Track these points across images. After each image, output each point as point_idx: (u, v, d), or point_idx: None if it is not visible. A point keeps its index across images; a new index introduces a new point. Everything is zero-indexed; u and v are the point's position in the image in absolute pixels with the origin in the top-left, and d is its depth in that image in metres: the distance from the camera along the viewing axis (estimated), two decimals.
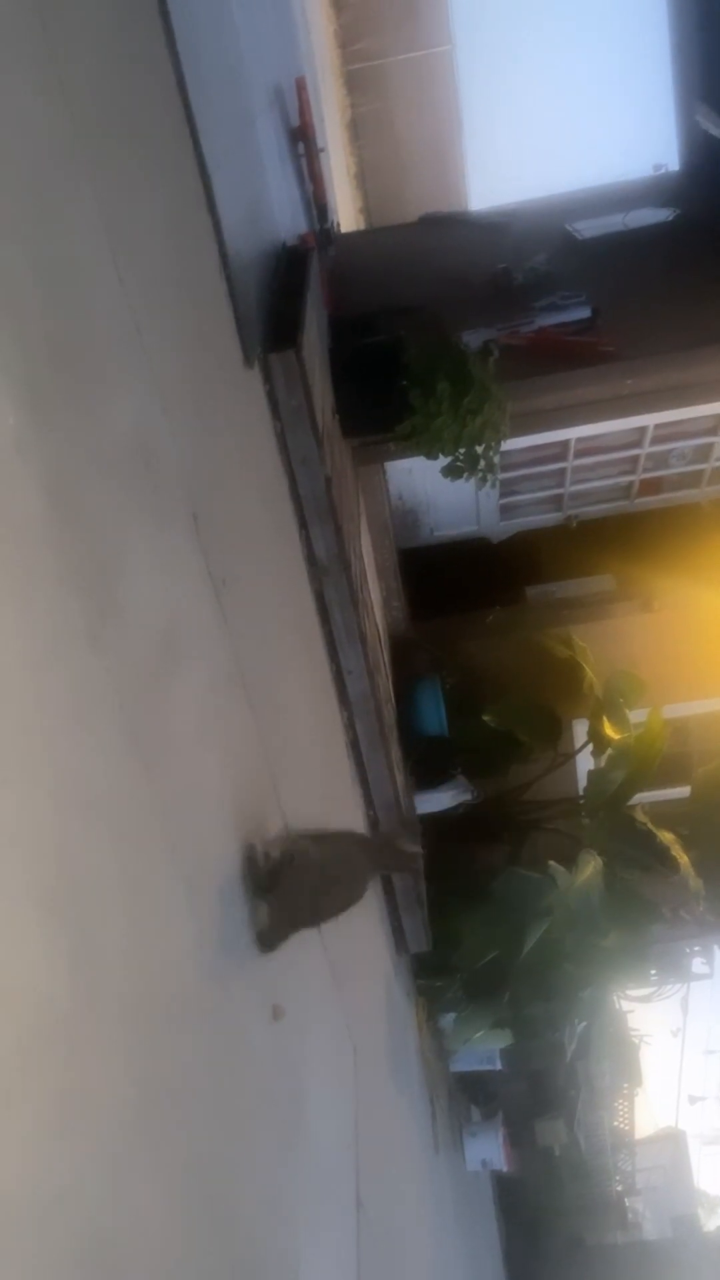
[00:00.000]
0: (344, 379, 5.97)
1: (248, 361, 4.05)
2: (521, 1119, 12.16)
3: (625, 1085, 16.49)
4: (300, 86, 8.01)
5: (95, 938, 1.67)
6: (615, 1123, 16.86)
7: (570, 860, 6.53)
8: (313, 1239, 2.90)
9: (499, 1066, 9.70)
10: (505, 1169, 10.33)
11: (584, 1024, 8.99)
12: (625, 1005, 12.62)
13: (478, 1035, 7.94)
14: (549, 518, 8.18)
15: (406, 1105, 5.99)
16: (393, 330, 6.38)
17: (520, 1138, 11.96)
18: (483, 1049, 8.89)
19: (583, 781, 7.79)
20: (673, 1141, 21.28)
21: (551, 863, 6.37)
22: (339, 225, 11.62)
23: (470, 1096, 10.59)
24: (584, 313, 7.29)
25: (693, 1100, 20.61)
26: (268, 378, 4.40)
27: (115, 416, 2.19)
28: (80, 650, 1.79)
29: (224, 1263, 2.09)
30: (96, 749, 1.81)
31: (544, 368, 6.78)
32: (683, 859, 6.83)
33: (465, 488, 7.10)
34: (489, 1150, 9.88)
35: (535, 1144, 12.77)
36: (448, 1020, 8.02)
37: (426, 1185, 6.33)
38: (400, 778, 6.33)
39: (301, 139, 8.05)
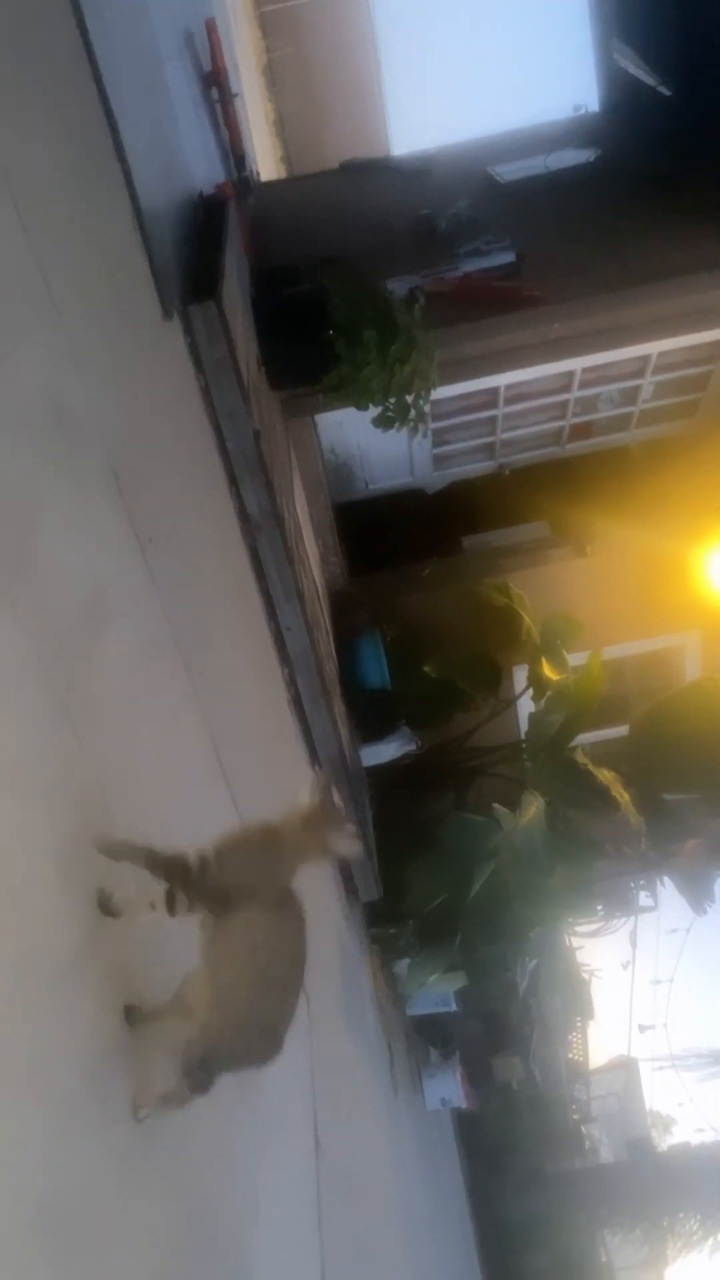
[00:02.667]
0: (268, 330, 5.87)
1: (166, 314, 3.96)
2: (479, 1057, 12.49)
3: (578, 1019, 17.03)
4: (211, 29, 7.77)
5: (29, 905, 1.66)
6: (570, 1055, 17.42)
7: (515, 803, 6.64)
8: (272, 1182, 2.95)
9: (454, 1008, 9.91)
10: (464, 1106, 10.61)
11: (535, 962, 9.22)
12: (575, 942, 12.99)
13: (432, 979, 8.07)
14: (482, 466, 8.19)
15: (363, 1050, 6.10)
16: (316, 280, 6.27)
17: (478, 1075, 12.29)
18: (437, 992, 9.07)
19: (524, 726, 7.89)
20: (625, 1069, 22.03)
21: (495, 805, 6.48)
22: (258, 174, 11.37)
23: (428, 1039, 10.82)
24: (508, 258, 7.25)
25: (643, 1029, 21.34)
26: (188, 330, 4.31)
27: (22, 374, 2.12)
28: None
29: (179, 1213, 2.12)
30: (20, 715, 1.78)
31: (470, 314, 6.74)
32: (623, 797, 6.97)
33: (398, 439, 7.06)
34: (448, 1089, 10.13)
35: (493, 1080, 13.14)
36: (402, 966, 8.15)
37: (386, 1126, 6.47)
38: (344, 731, 6.36)
39: (214, 84, 7.82)
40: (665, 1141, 21.66)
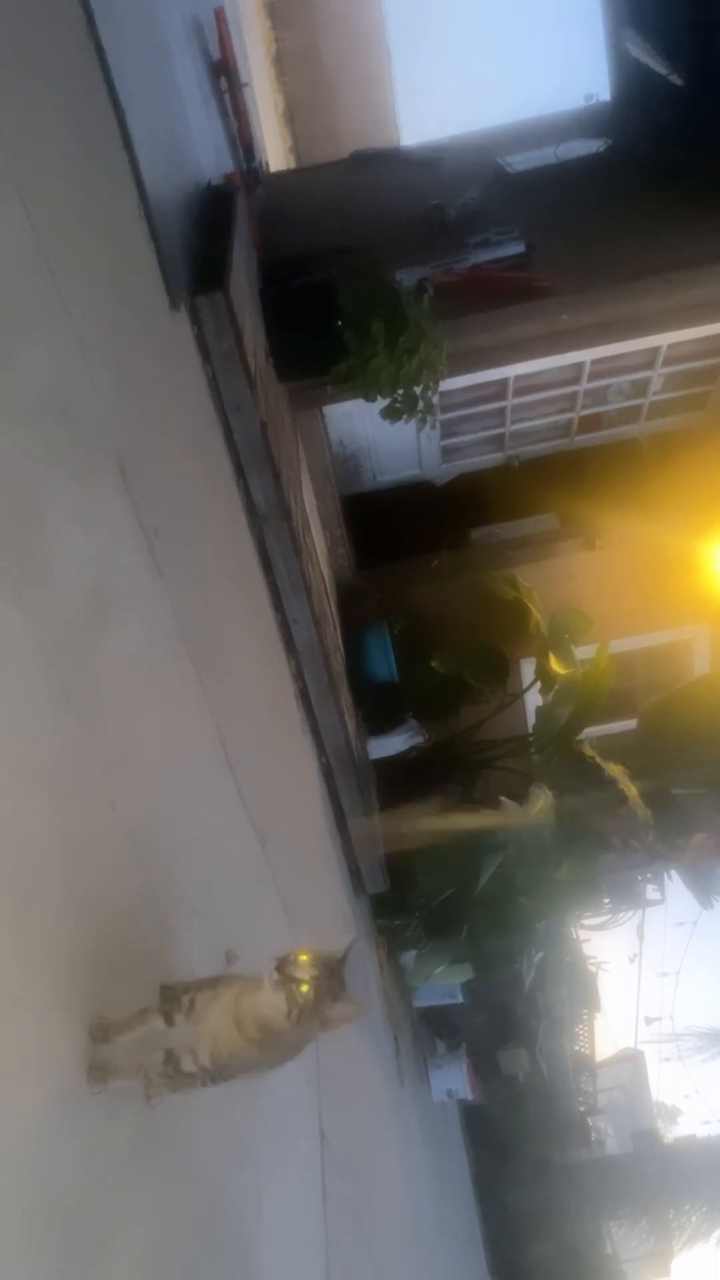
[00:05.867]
0: (276, 322, 5.86)
1: (173, 305, 3.95)
2: (485, 1049, 12.50)
3: (584, 1011, 17.01)
4: (220, 18, 7.73)
5: (33, 895, 1.65)
6: (576, 1047, 17.41)
7: (522, 797, 6.63)
8: (275, 1174, 2.96)
9: (461, 1000, 9.92)
10: (470, 1098, 10.64)
11: (541, 955, 9.18)
12: (582, 935, 12.96)
13: (438, 971, 8.08)
14: (491, 458, 8.17)
15: (370, 1042, 6.11)
16: (325, 271, 6.26)
17: (484, 1067, 12.31)
18: (444, 984, 9.08)
19: (532, 719, 7.88)
20: (632, 1062, 22.00)
21: (503, 798, 6.47)
22: (267, 164, 11.34)
23: (434, 1030, 10.84)
24: (518, 248, 7.21)
25: (649, 1021, 21.30)
26: (195, 321, 4.29)
27: (28, 365, 2.11)
28: (1, 608, 1.74)
29: (181, 1206, 2.12)
30: (25, 708, 1.77)
31: (479, 305, 6.71)
32: (631, 790, 6.96)
33: (406, 431, 7.05)
34: (454, 1081, 10.16)
35: (500, 1073, 13.16)
36: (409, 958, 8.16)
37: (392, 1117, 6.48)
38: (351, 724, 6.36)
39: (223, 73, 7.79)
40: (671, 1133, 21.66)
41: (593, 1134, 17.34)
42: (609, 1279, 16.50)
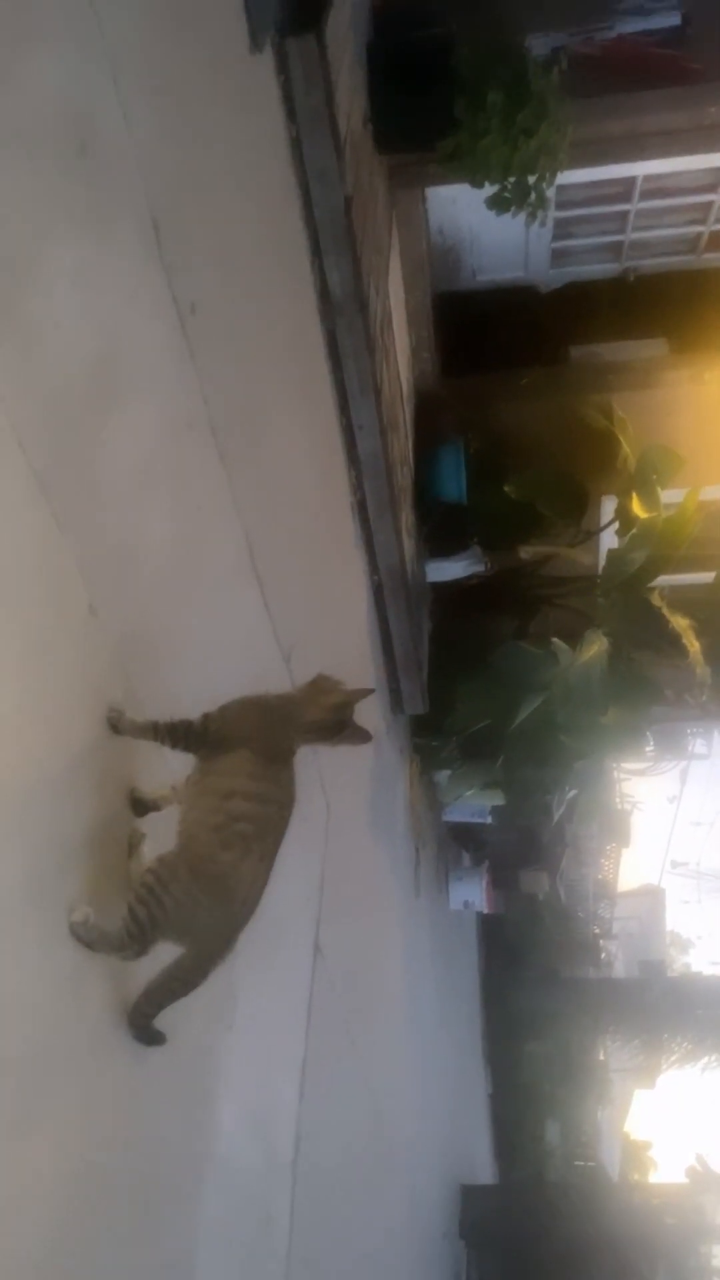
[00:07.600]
0: (382, 83, 5.20)
1: (256, 45, 3.43)
2: (508, 867, 12.88)
3: (612, 844, 17.41)
4: None
5: None
6: (599, 876, 17.95)
7: (578, 638, 6.40)
8: (256, 980, 2.97)
9: (489, 820, 10.09)
10: (486, 910, 11.03)
11: (575, 792, 9.20)
12: (622, 775, 12.99)
13: (469, 793, 8.16)
14: (604, 268, 7.44)
15: (386, 854, 6.20)
16: (446, 24, 5.48)
17: (505, 883, 12.73)
18: (475, 804, 9.20)
19: (604, 560, 7.51)
20: (652, 897, 22.73)
21: (555, 639, 6.24)
22: None
23: (461, 844, 11.14)
24: (673, 20, 6.22)
25: (675, 865, 21.83)
26: (282, 69, 3.77)
27: (34, 75, 1.77)
28: None
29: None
30: None
31: (617, 86, 5.87)
32: (693, 645, 6.69)
33: (514, 227, 6.38)
34: (472, 893, 10.50)
35: (519, 890, 13.63)
36: (443, 776, 8.23)
37: (402, 927, 6.68)
38: (410, 544, 6.11)
39: None
40: (679, 963, 22.58)
41: (603, 955, 18.12)
42: (596, 1082, 17.64)
